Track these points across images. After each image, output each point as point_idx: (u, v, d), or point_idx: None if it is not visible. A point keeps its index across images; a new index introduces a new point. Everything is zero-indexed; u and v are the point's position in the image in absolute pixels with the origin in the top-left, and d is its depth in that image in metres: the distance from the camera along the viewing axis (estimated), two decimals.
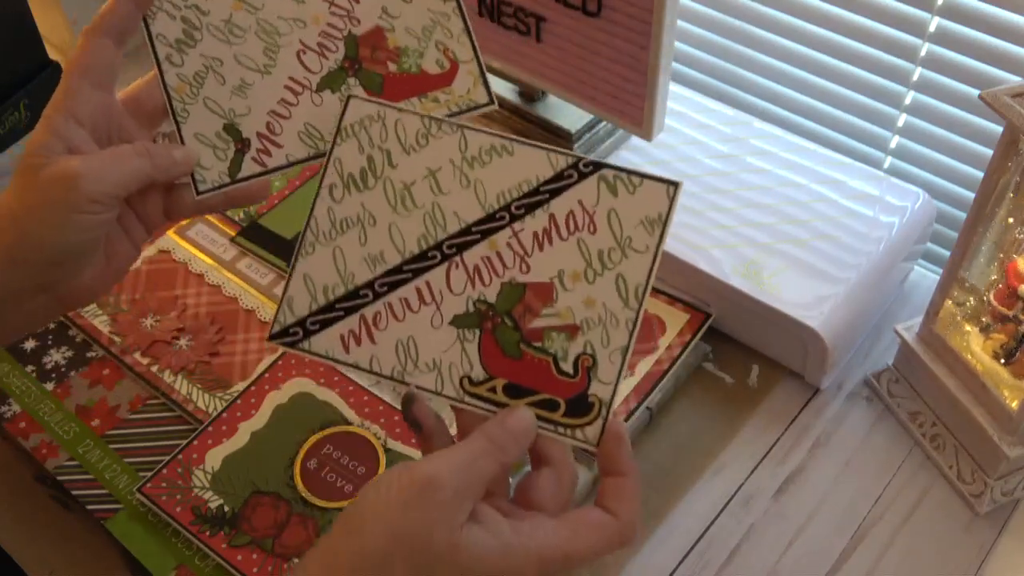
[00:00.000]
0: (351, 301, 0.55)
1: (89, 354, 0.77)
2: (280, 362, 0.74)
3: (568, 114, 0.83)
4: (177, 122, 0.59)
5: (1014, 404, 0.65)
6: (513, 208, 0.55)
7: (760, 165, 0.83)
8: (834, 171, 0.82)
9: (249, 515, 0.66)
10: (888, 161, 0.92)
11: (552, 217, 0.54)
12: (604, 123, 0.83)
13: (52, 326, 0.78)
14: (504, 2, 0.77)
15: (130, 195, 0.54)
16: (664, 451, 0.72)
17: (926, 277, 0.84)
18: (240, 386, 0.74)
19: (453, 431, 0.53)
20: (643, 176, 0.53)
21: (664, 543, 0.67)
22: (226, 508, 0.66)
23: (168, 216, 0.58)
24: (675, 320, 0.77)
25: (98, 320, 0.78)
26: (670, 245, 0.76)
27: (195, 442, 0.69)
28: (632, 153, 0.84)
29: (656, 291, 0.79)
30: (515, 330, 0.53)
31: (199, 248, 0.84)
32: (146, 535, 0.66)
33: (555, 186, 0.55)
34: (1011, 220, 0.65)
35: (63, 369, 0.75)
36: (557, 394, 0.51)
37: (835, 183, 0.81)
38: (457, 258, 0.55)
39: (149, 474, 0.68)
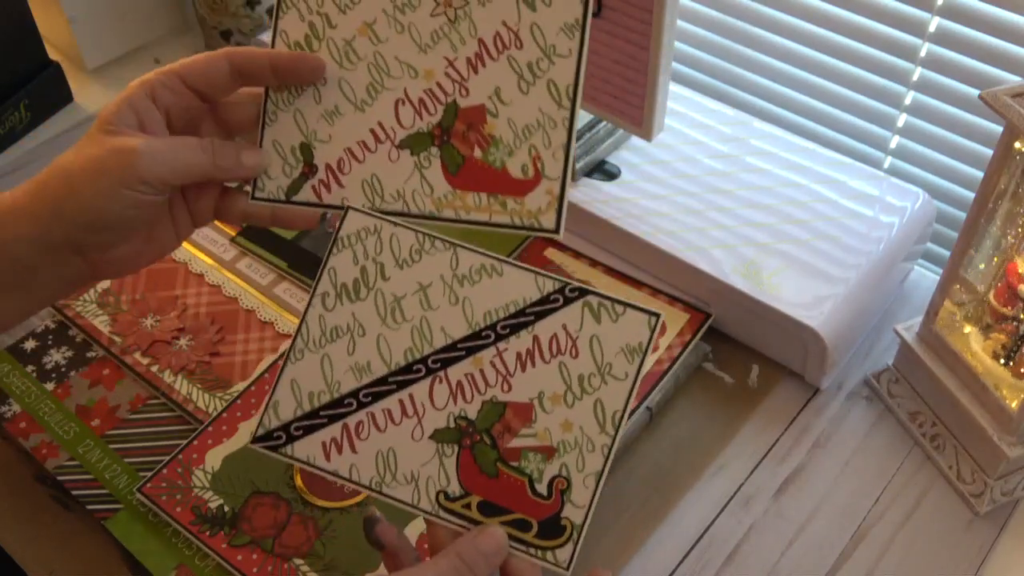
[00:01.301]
0: (335, 409, 0.56)
1: (89, 354, 0.77)
2: (280, 362, 0.74)
3: None
4: (264, 122, 0.58)
5: (1014, 404, 0.65)
6: (499, 328, 0.56)
7: (760, 165, 0.83)
8: (834, 171, 0.82)
9: (249, 515, 0.66)
10: (888, 161, 0.92)
11: (536, 339, 0.55)
12: (604, 123, 0.83)
13: (52, 326, 0.78)
14: None
15: (186, 186, 0.55)
16: (664, 451, 0.72)
17: (926, 277, 0.84)
18: (240, 386, 0.74)
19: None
20: (626, 305, 0.54)
21: (664, 543, 0.67)
22: (226, 508, 0.66)
23: (217, 215, 0.58)
24: (675, 320, 0.77)
25: (98, 320, 0.78)
26: (671, 245, 0.76)
27: (195, 442, 0.69)
28: (632, 153, 0.84)
29: (656, 291, 0.79)
30: (493, 448, 0.54)
31: (199, 248, 0.84)
32: (146, 535, 0.66)
33: (541, 309, 0.56)
34: (1011, 220, 0.65)
35: (63, 369, 0.75)
36: (531, 515, 0.52)
37: (835, 183, 0.81)
38: (441, 373, 0.55)
39: (149, 474, 0.68)
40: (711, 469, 0.71)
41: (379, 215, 0.58)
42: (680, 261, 0.76)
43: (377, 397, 0.56)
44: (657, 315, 0.55)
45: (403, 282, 0.57)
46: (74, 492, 0.68)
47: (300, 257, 0.81)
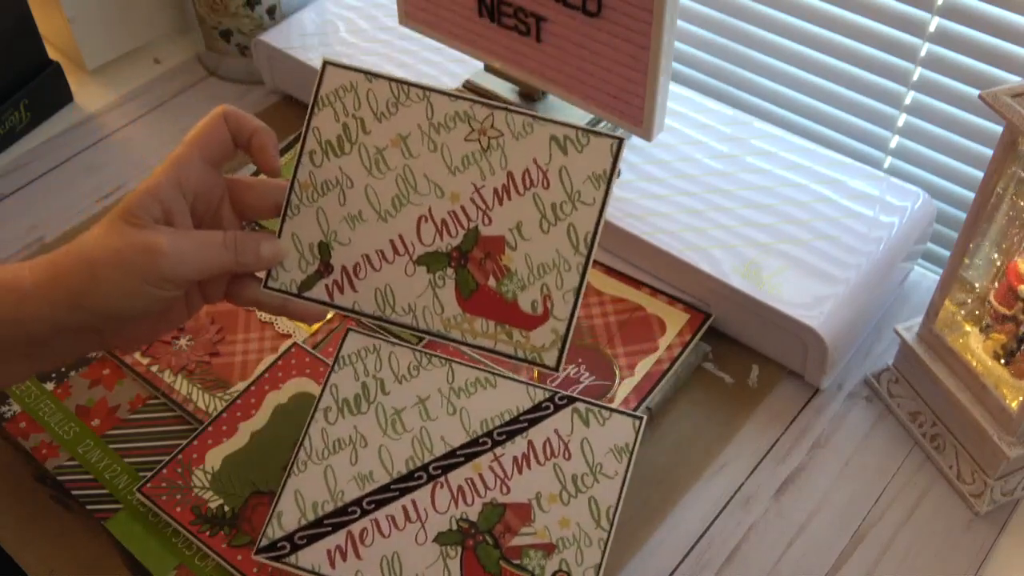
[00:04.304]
0: (339, 517, 0.58)
1: (89, 354, 0.77)
2: (280, 362, 0.74)
3: (568, 114, 0.83)
4: (286, 214, 0.59)
5: (1014, 404, 0.65)
6: (495, 434, 0.59)
7: (760, 165, 0.83)
8: (834, 171, 0.82)
9: (249, 515, 0.66)
10: (888, 161, 0.92)
11: (531, 443, 0.59)
12: (604, 123, 0.83)
13: None
14: (504, 2, 0.77)
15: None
16: (664, 451, 0.72)
17: (926, 277, 0.84)
18: (240, 386, 0.74)
19: None
20: (611, 410, 0.60)
21: (664, 543, 0.67)
22: (226, 508, 0.66)
23: (227, 297, 0.60)
24: (675, 320, 0.77)
25: None
26: (671, 245, 0.76)
27: (195, 442, 0.69)
28: (632, 153, 0.84)
29: (656, 291, 0.79)
30: (495, 548, 0.57)
31: None
32: (146, 535, 0.66)
33: (533, 416, 0.59)
34: (1011, 220, 0.65)
35: (63, 369, 0.75)
36: None
37: (835, 183, 0.81)
38: (442, 479, 0.58)
39: (149, 474, 0.68)
40: (711, 469, 0.71)
41: (378, 336, 0.62)
42: (680, 261, 0.76)
43: (380, 504, 0.58)
44: (640, 418, 0.59)
45: (403, 396, 0.61)
46: (74, 492, 0.68)
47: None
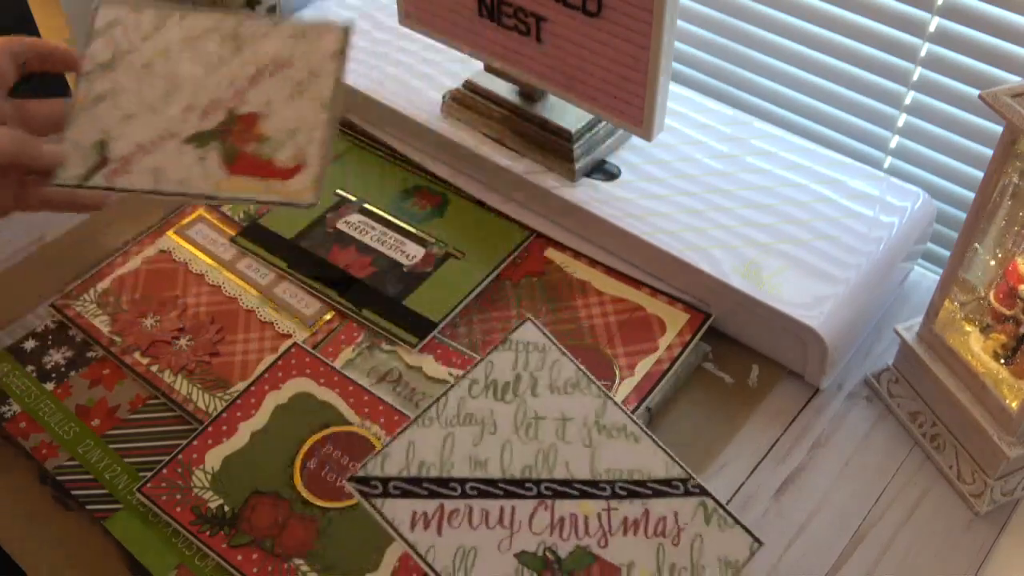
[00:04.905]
0: (439, 487, 0.57)
1: (89, 354, 0.77)
2: (280, 362, 0.74)
3: (568, 114, 0.83)
4: (67, 124, 0.66)
5: (1014, 404, 0.65)
6: (617, 487, 0.58)
7: (760, 165, 0.83)
8: (834, 171, 0.82)
9: (249, 515, 0.66)
10: (888, 161, 0.92)
11: (647, 512, 0.58)
12: (604, 123, 0.83)
13: (52, 326, 0.78)
14: (504, 2, 0.77)
15: None
16: None
17: (926, 277, 0.84)
18: (240, 386, 0.74)
19: None
20: (737, 521, 0.58)
21: None
22: (226, 508, 0.66)
23: (16, 202, 0.65)
24: (675, 320, 0.77)
25: (98, 320, 0.78)
26: (671, 245, 0.76)
27: (195, 442, 0.69)
28: (632, 153, 0.84)
29: (656, 291, 0.79)
30: None
31: (199, 248, 0.84)
32: (146, 535, 0.66)
33: (660, 488, 0.58)
34: (1010, 220, 0.65)
35: (63, 369, 0.75)
36: None
37: (835, 183, 0.81)
38: (550, 502, 0.57)
39: (149, 474, 0.68)
40: (711, 469, 0.71)
41: (551, 337, 0.64)
42: (680, 261, 0.76)
43: (482, 495, 0.57)
44: (760, 543, 0.58)
45: (549, 405, 0.61)
46: (74, 492, 0.68)
47: (300, 257, 0.81)
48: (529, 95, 0.85)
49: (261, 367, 0.75)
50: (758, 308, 0.73)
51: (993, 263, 0.67)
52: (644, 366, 0.74)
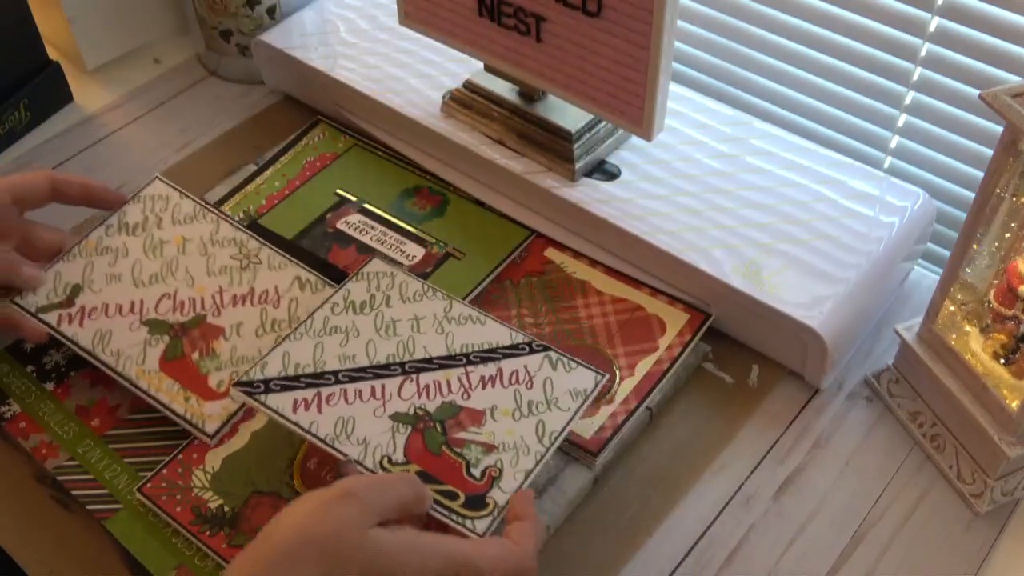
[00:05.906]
0: (315, 380, 0.66)
1: None
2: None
3: (568, 114, 0.83)
4: (61, 258, 0.74)
5: (1014, 404, 0.65)
6: (471, 356, 0.67)
7: (760, 165, 0.83)
8: (834, 171, 0.82)
9: (249, 515, 0.66)
10: (888, 161, 0.92)
11: (500, 370, 0.66)
12: (604, 123, 0.83)
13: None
14: (504, 2, 0.77)
15: None
16: (664, 451, 0.72)
17: (926, 277, 0.84)
18: None
19: None
20: (579, 363, 0.67)
21: (664, 543, 0.67)
22: (226, 508, 0.66)
23: None
24: (675, 320, 0.77)
25: None
26: (671, 245, 0.76)
27: (195, 442, 0.69)
28: (632, 153, 0.84)
29: (656, 291, 0.79)
30: (442, 434, 0.63)
31: None
32: (146, 535, 0.66)
33: (509, 351, 0.68)
34: (1010, 220, 0.65)
35: (63, 369, 0.75)
36: (460, 489, 0.60)
37: (835, 183, 0.81)
38: (414, 376, 0.66)
39: (149, 474, 0.68)
40: (711, 469, 0.71)
41: (396, 266, 0.73)
42: (680, 261, 0.76)
43: (354, 379, 0.66)
44: (603, 374, 0.67)
45: (402, 311, 0.70)
46: (74, 492, 0.68)
47: (300, 257, 0.81)
48: (529, 95, 0.85)
49: None
50: (758, 308, 0.73)
51: (993, 263, 0.67)
52: (644, 366, 0.74)
